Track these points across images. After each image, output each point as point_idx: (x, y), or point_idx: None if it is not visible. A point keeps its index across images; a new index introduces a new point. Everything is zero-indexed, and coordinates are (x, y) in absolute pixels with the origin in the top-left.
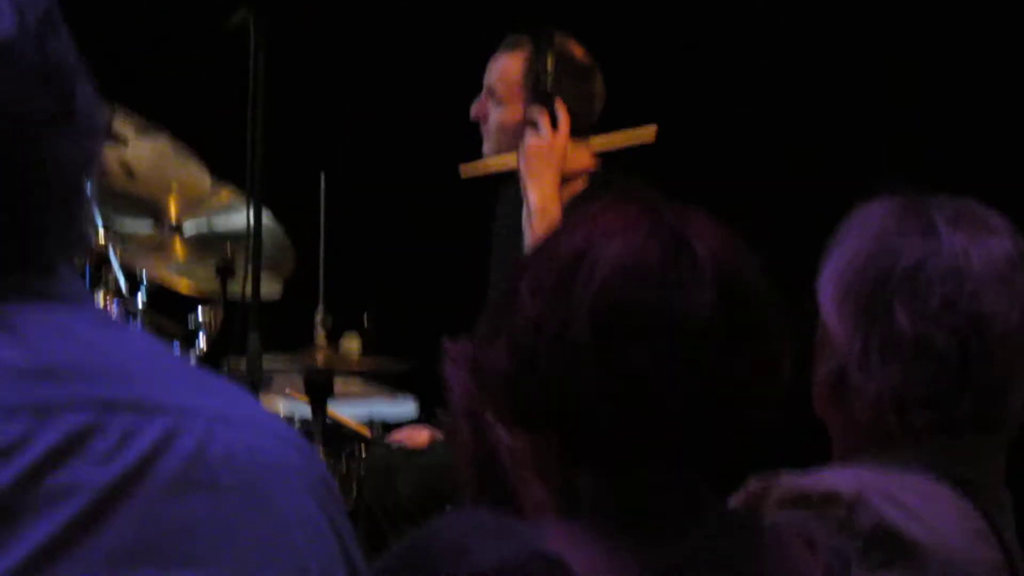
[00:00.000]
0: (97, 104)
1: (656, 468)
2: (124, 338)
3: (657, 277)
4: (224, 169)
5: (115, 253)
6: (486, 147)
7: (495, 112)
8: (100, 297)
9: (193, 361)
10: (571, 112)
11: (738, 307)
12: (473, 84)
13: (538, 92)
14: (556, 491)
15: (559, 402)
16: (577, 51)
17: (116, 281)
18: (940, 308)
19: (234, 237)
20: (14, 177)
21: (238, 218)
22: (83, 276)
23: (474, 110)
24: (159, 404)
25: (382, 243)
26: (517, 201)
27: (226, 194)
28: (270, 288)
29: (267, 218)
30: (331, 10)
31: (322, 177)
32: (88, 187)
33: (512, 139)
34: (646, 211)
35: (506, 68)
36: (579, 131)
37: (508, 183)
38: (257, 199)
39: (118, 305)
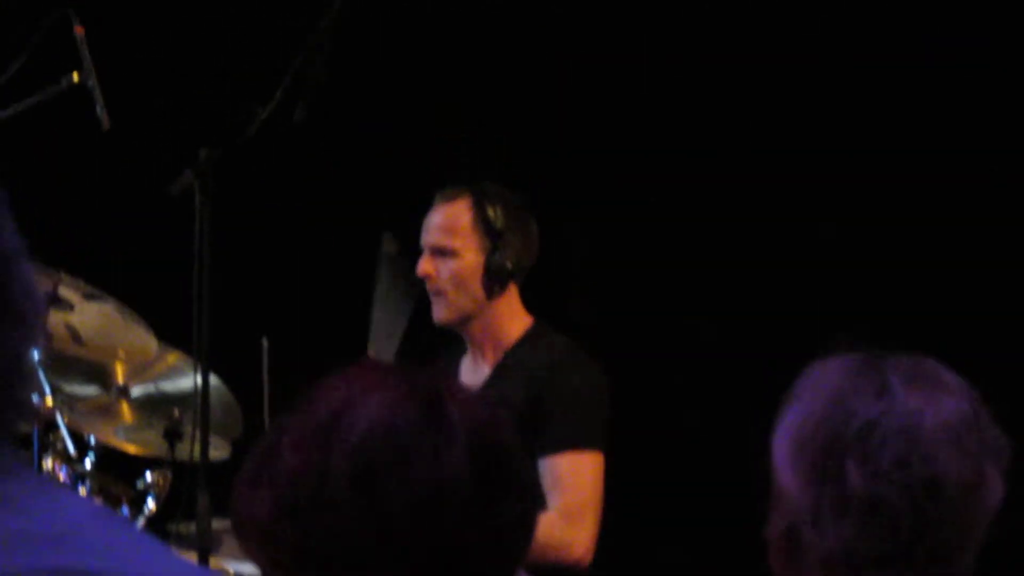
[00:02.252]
0: (33, 290)
1: None
2: (63, 505)
3: (411, 436)
4: (170, 334)
5: (63, 417)
6: (441, 308)
7: (447, 266)
8: (48, 462)
9: (136, 525)
10: (518, 253)
11: (490, 467)
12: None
13: (492, 232)
14: None
15: (316, 553)
16: (511, 194)
17: (64, 445)
18: (892, 467)
19: (181, 400)
20: None
21: (185, 381)
22: (31, 441)
23: (421, 267)
24: (102, 571)
25: None
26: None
27: (172, 357)
28: (219, 450)
29: (214, 380)
30: (272, 173)
31: (264, 342)
32: (28, 364)
33: (474, 286)
34: (402, 373)
35: (451, 218)
36: (522, 272)
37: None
38: (204, 362)
39: (66, 470)
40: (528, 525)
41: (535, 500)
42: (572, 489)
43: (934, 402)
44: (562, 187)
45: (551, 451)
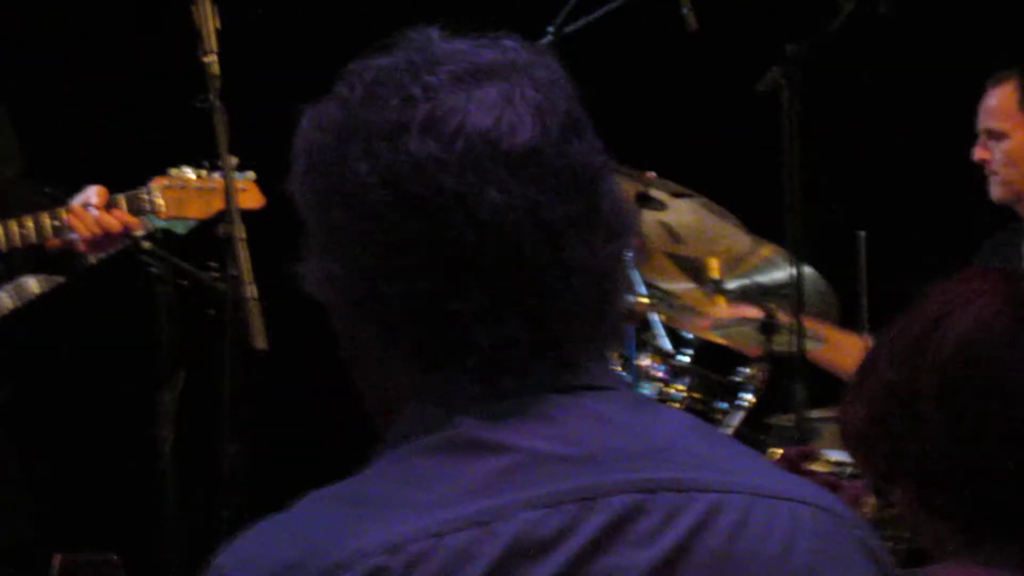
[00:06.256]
0: (623, 202)
1: (999, 532)
2: (658, 420)
3: (1001, 351)
4: (764, 228)
5: (658, 315)
6: (995, 186)
7: (1000, 147)
8: (645, 359)
9: (733, 439)
10: None
11: None
12: None
13: None
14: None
15: (907, 461)
16: None
17: (660, 343)
18: None
19: (777, 292)
20: (539, 282)
21: (780, 273)
22: (629, 341)
23: (976, 153)
24: (699, 483)
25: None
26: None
27: (767, 251)
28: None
29: (809, 271)
30: (858, 66)
31: (861, 234)
32: (622, 277)
33: None
34: (1003, 282)
35: (1000, 100)
36: None
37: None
38: (797, 254)
39: (663, 367)
40: None
41: None
42: None
43: None
44: None
45: None
